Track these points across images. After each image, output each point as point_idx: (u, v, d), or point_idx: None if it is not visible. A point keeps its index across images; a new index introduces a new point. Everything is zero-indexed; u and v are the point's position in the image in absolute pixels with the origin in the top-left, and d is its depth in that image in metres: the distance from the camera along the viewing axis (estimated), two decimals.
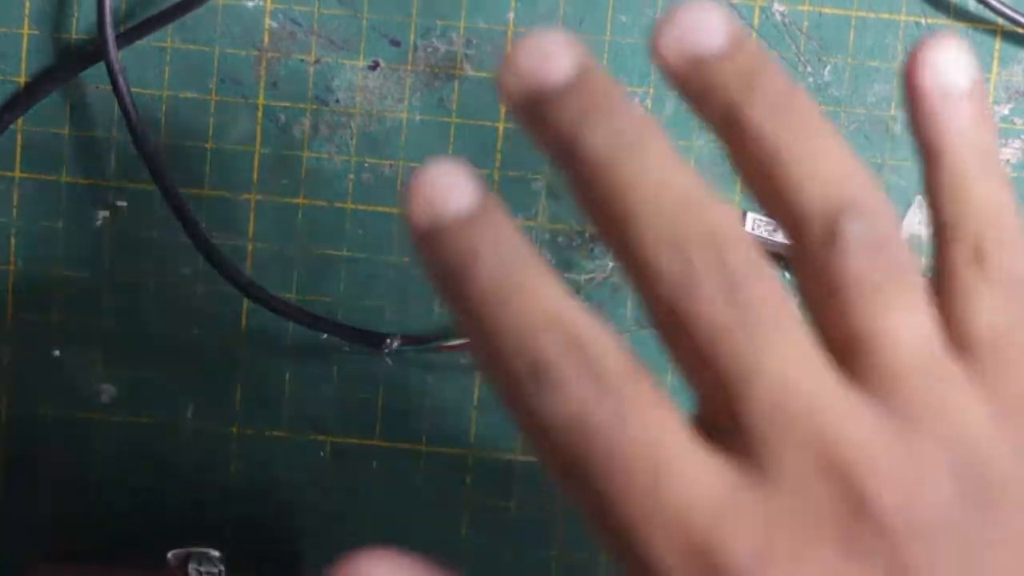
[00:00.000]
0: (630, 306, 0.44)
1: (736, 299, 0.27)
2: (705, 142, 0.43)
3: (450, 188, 0.29)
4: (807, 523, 0.27)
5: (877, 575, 0.27)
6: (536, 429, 0.28)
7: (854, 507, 0.27)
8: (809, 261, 0.29)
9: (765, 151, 0.29)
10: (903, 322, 0.28)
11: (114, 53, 0.42)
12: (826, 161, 0.29)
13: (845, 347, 0.28)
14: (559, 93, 0.29)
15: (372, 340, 0.43)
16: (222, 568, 0.41)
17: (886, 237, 0.28)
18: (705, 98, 0.30)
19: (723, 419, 0.28)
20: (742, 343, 0.27)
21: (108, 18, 0.41)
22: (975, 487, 0.28)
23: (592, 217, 0.29)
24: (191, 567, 0.40)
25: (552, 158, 0.30)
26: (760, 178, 0.29)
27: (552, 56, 0.29)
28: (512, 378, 0.28)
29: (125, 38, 0.43)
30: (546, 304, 0.28)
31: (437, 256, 0.29)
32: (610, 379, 0.27)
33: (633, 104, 0.29)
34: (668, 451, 0.27)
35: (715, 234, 0.28)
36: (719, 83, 0.29)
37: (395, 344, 0.43)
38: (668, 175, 0.28)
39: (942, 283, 0.30)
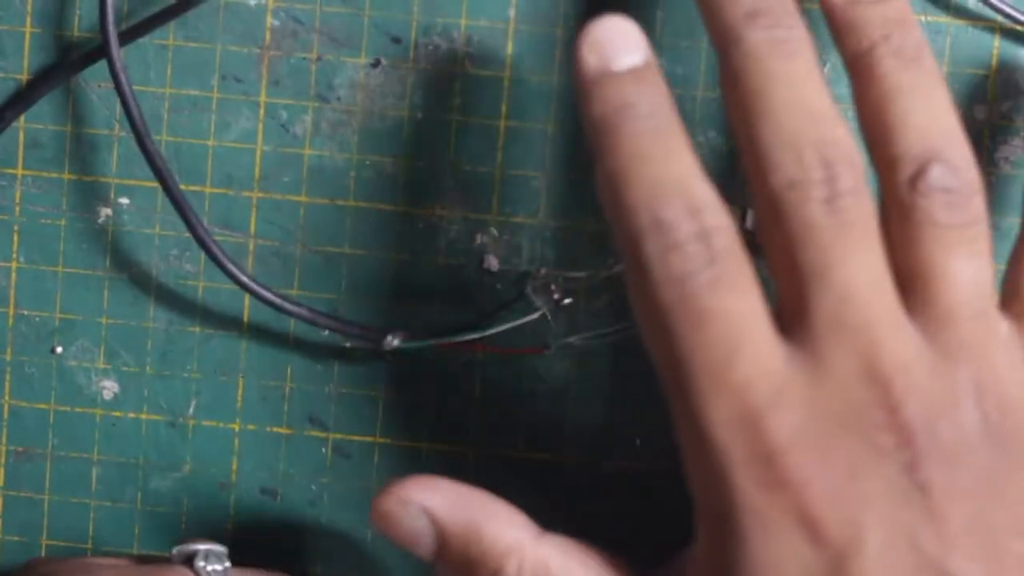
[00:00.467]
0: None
1: (834, 207, 0.31)
2: (706, 140, 0.43)
3: (624, 41, 0.33)
4: (843, 415, 0.30)
5: (892, 474, 0.30)
6: (643, 279, 0.31)
7: (886, 411, 0.30)
8: (894, 197, 0.32)
9: (884, 92, 0.33)
10: (964, 267, 0.31)
11: (116, 51, 0.42)
12: (930, 115, 0.32)
13: (909, 278, 0.32)
14: None
15: (373, 337, 0.43)
16: (228, 564, 0.41)
17: (966, 190, 0.32)
18: (849, 32, 0.34)
19: (793, 311, 0.31)
20: (827, 243, 0.31)
21: (110, 16, 0.41)
22: (998, 424, 0.30)
23: (733, 105, 0.32)
24: (197, 564, 0.40)
25: (716, 43, 0.33)
26: (871, 115, 0.33)
27: None
28: (635, 229, 0.31)
29: (127, 36, 0.43)
30: (680, 170, 0.31)
31: (597, 102, 0.32)
32: (718, 251, 0.31)
33: (799, 16, 0.33)
34: (749, 327, 0.31)
35: (836, 146, 0.31)
36: (865, 21, 0.33)
37: (396, 341, 0.43)
38: (811, 84, 0.32)
39: (1020, 253, 0.34)
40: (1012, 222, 0.44)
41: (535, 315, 0.43)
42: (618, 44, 0.33)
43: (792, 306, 0.31)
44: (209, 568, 0.40)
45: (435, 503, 0.34)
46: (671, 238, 0.31)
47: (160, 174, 0.42)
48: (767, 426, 0.30)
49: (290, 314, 0.43)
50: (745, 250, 0.31)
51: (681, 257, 0.30)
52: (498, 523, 0.35)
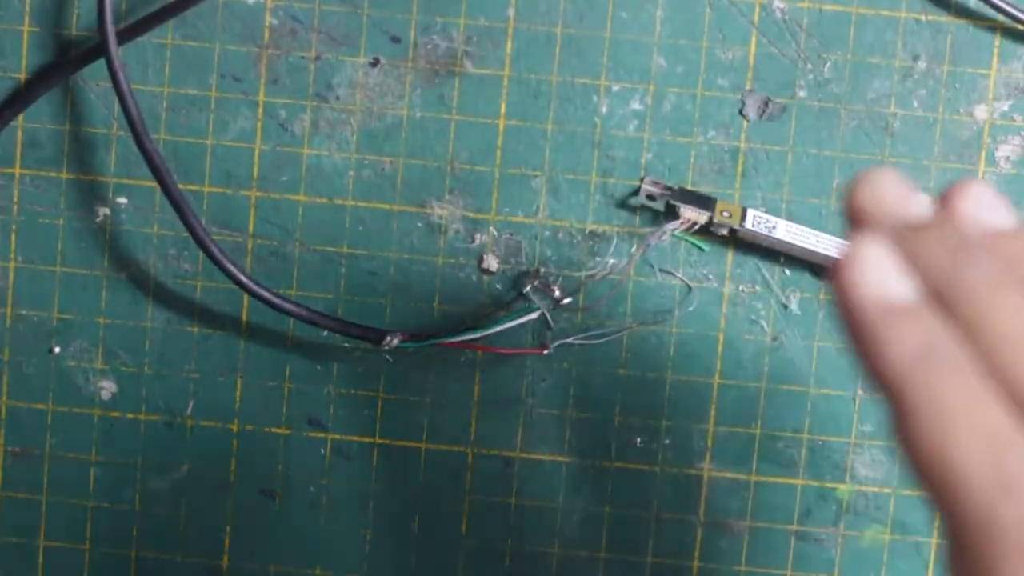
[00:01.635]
0: (630, 304, 0.44)
1: None
2: (705, 139, 0.43)
3: (890, 265, 0.28)
4: None
5: None
6: (993, 550, 0.26)
7: None
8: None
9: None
10: None
11: (114, 50, 0.42)
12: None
13: None
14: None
15: (372, 337, 0.43)
16: None
17: None
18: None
19: None
20: None
21: (109, 15, 0.41)
22: None
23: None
24: None
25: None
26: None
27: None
28: (978, 490, 0.26)
29: (125, 35, 0.43)
30: (1000, 417, 0.27)
31: (894, 344, 0.27)
32: None
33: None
34: None
35: None
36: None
37: (395, 341, 0.43)
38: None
39: None
40: None
41: (534, 315, 0.43)
42: (890, 268, 0.28)
43: None
44: None
45: None
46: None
47: (158, 173, 0.42)
48: None
49: (289, 314, 0.43)
50: None
51: None
52: None
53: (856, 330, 0.28)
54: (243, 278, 0.42)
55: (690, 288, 0.44)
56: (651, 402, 0.44)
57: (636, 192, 0.43)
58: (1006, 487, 0.26)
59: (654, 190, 0.43)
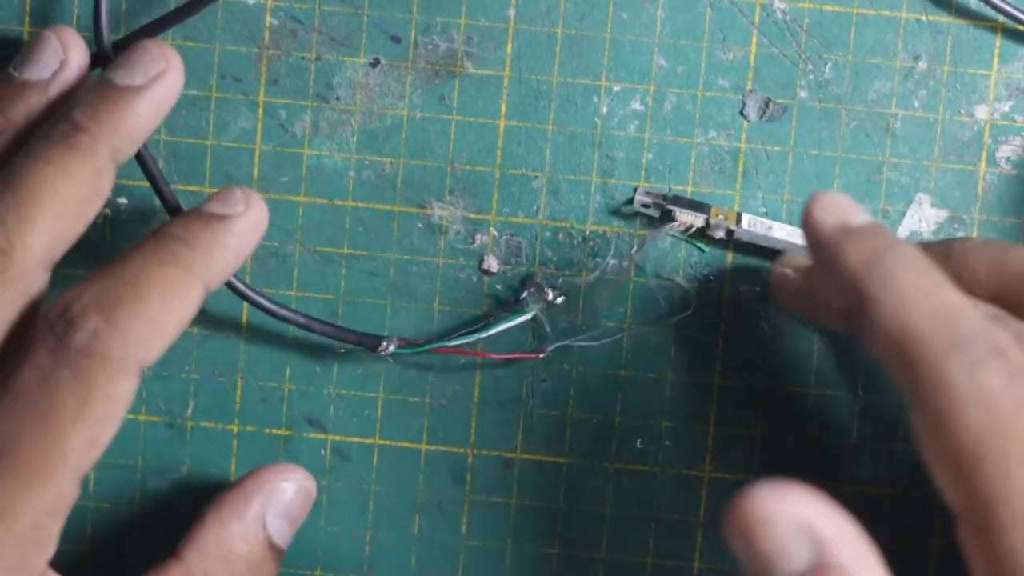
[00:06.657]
0: (630, 304, 0.44)
1: None
2: (706, 139, 0.43)
3: (851, 206, 0.35)
4: None
5: None
6: (945, 406, 0.30)
7: None
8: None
9: None
10: None
11: (112, 50, 0.41)
12: None
13: None
14: None
15: (368, 343, 0.43)
16: None
17: None
18: None
19: None
20: None
21: (103, 18, 0.41)
22: None
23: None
24: None
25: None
26: None
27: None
28: (931, 353, 0.30)
29: (125, 41, 0.42)
30: (956, 295, 0.31)
31: (853, 251, 0.33)
32: (1019, 367, 0.30)
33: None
34: None
35: None
36: None
37: (390, 347, 0.43)
38: None
39: None
40: (1012, 222, 0.43)
41: (527, 317, 0.43)
42: (847, 208, 0.34)
43: None
44: None
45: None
46: (975, 354, 0.30)
47: (155, 176, 0.42)
48: None
49: (286, 320, 0.43)
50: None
51: (988, 373, 0.29)
52: None
53: (823, 247, 0.34)
54: (241, 286, 0.42)
55: (690, 290, 0.44)
56: (651, 403, 0.44)
57: (630, 201, 0.43)
58: (955, 346, 0.30)
59: (647, 199, 0.43)
